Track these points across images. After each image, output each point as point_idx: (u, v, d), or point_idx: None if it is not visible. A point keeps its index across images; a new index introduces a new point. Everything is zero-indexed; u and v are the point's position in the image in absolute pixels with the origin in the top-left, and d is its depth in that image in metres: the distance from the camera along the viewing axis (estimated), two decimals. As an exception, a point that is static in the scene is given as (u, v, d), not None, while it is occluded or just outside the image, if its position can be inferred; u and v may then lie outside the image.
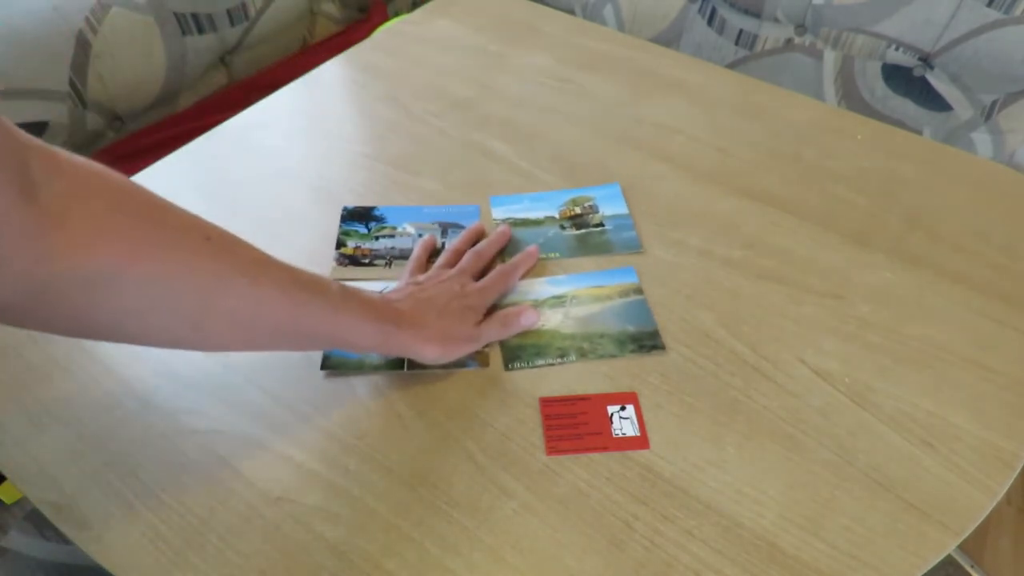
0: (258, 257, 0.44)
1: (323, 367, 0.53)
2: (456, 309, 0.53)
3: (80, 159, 0.37)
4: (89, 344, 0.55)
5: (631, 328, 0.56)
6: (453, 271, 0.58)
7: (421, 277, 0.58)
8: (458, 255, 0.60)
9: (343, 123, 0.77)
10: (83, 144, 0.91)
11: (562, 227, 0.64)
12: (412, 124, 0.76)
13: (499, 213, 0.66)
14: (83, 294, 0.36)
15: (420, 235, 0.64)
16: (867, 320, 0.57)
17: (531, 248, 0.62)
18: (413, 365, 0.54)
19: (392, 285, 0.59)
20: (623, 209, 0.66)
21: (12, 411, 0.51)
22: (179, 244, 0.40)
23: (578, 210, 0.66)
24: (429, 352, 0.50)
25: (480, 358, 0.54)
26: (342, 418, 0.51)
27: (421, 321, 0.51)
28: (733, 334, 0.56)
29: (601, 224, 0.64)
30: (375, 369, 0.54)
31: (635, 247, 0.62)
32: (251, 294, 0.42)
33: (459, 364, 0.53)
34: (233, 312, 0.42)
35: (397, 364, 0.54)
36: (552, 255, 0.62)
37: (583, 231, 0.64)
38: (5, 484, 0.68)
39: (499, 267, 0.59)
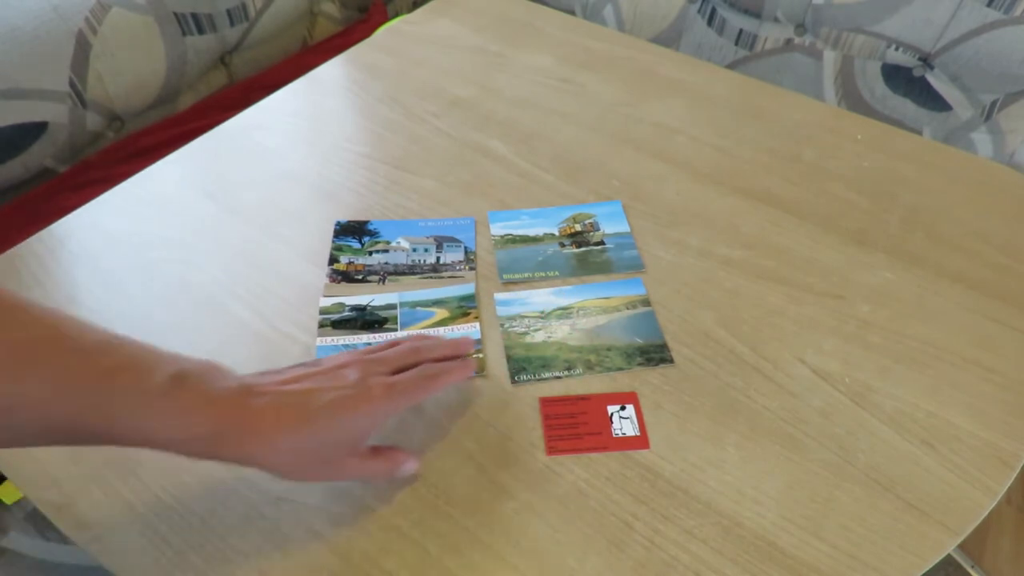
0: (34, 337, 0.33)
1: None
2: (340, 418, 0.40)
3: None
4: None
5: (639, 341, 0.56)
6: (365, 358, 0.45)
7: (325, 360, 0.44)
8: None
9: (343, 123, 0.77)
10: (83, 144, 0.91)
11: (562, 245, 0.64)
12: (412, 124, 0.76)
13: (497, 229, 0.65)
14: None
15: (414, 249, 0.63)
16: (867, 320, 0.57)
17: (469, 360, 0.50)
18: None
19: (377, 298, 0.59)
20: (624, 227, 0.65)
21: (12, 411, 0.51)
22: None
23: (578, 227, 0.65)
24: (281, 463, 0.39)
25: (476, 364, 0.53)
26: (342, 418, 0.51)
27: (276, 425, 0.38)
28: (733, 334, 0.56)
29: (602, 242, 0.63)
30: None
31: (637, 266, 0.61)
32: (6, 392, 0.32)
33: None
34: None
35: None
36: (551, 273, 0.61)
37: (583, 249, 0.63)
38: (5, 484, 0.68)
39: (424, 366, 0.46)
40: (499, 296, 0.59)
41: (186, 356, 0.38)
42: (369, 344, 0.55)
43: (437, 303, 0.58)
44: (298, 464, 0.40)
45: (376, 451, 0.45)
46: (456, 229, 0.65)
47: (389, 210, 0.67)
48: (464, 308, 0.58)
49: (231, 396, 0.38)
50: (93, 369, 0.34)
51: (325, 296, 0.59)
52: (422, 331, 0.56)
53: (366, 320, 0.57)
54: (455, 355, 0.49)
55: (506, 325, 0.57)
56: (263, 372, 0.42)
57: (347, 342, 0.55)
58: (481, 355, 0.54)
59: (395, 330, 0.56)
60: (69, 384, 0.34)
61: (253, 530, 0.45)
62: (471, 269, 0.61)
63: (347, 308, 0.58)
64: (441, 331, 0.56)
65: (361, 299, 0.59)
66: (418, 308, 0.58)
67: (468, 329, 0.56)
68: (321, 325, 0.57)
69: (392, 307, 0.58)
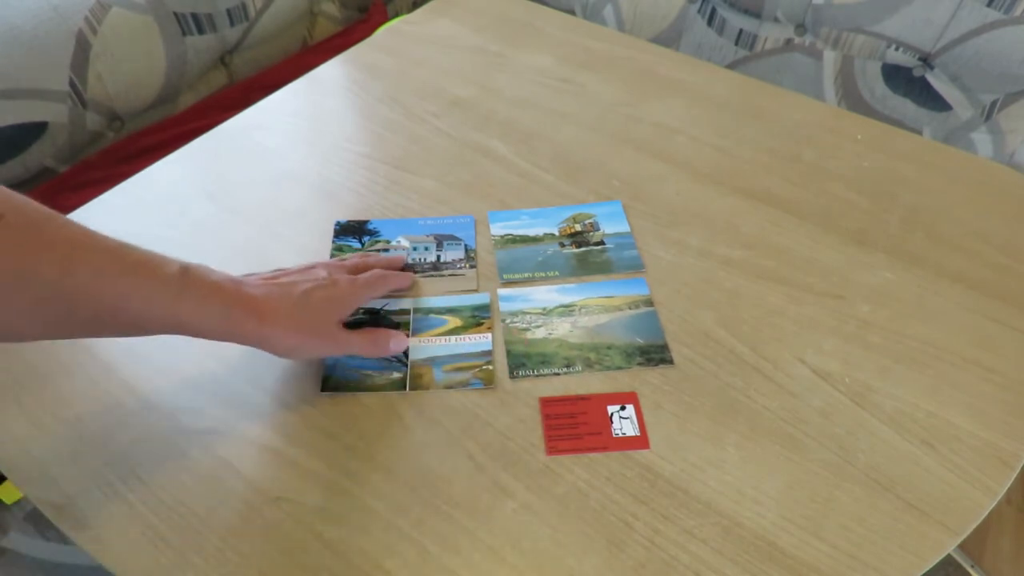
0: (72, 237, 0.38)
1: (323, 389, 0.53)
2: (319, 299, 0.49)
3: None
4: (90, 344, 0.55)
5: (640, 340, 0.55)
6: (327, 262, 0.55)
7: (292, 267, 0.53)
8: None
9: (343, 123, 0.77)
10: (83, 144, 0.91)
11: (562, 245, 0.63)
12: (412, 124, 0.76)
13: (497, 229, 0.65)
14: None
15: (415, 248, 0.63)
16: (867, 320, 0.57)
17: (409, 273, 0.60)
18: (416, 385, 0.53)
19: (390, 302, 0.59)
20: (624, 227, 0.65)
21: (12, 411, 0.51)
22: None
23: (578, 227, 0.65)
24: (282, 341, 0.46)
25: (484, 376, 0.53)
26: (342, 418, 0.51)
27: (274, 307, 0.46)
28: (733, 334, 0.56)
29: (602, 242, 0.63)
30: (377, 389, 0.53)
31: (637, 266, 0.61)
32: (59, 282, 0.37)
33: (462, 384, 0.53)
34: (37, 304, 0.37)
35: (399, 385, 0.53)
36: (551, 273, 0.61)
37: (583, 249, 0.63)
38: (5, 484, 0.69)
39: (376, 271, 0.56)
40: (502, 292, 0.59)
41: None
42: None
43: (451, 311, 0.58)
44: (297, 339, 0.47)
45: (364, 331, 0.53)
46: (456, 227, 0.65)
47: (389, 210, 0.67)
48: (478, 318, 0.57)
49: (231, 284, 0.45)
50: (122, 262, 0.40)
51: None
52: (434, 337, 0.56)
53: (378, 324, 0.57)
54: (394, 267, 0.60)
55: (507, 320, 0.57)
56: (252, 274, 0.50)
57: None
58: (491, 366, 0.54)
59: (407, 335, 0.56)
60: (108, 276, 0.39)
61: (253, 530, 0.45)
62: (472, 267, 0.61)
63: (361, 311, 0.58)
64: (454, 340, 0.56)
65: (375, 303, 0.58)
66: (431, 315, 0.58)
67: (480, 339, 0.56)
68: None
69: (406, 312, 0.58)
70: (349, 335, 0.51)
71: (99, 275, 0.39)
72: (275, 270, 0.52)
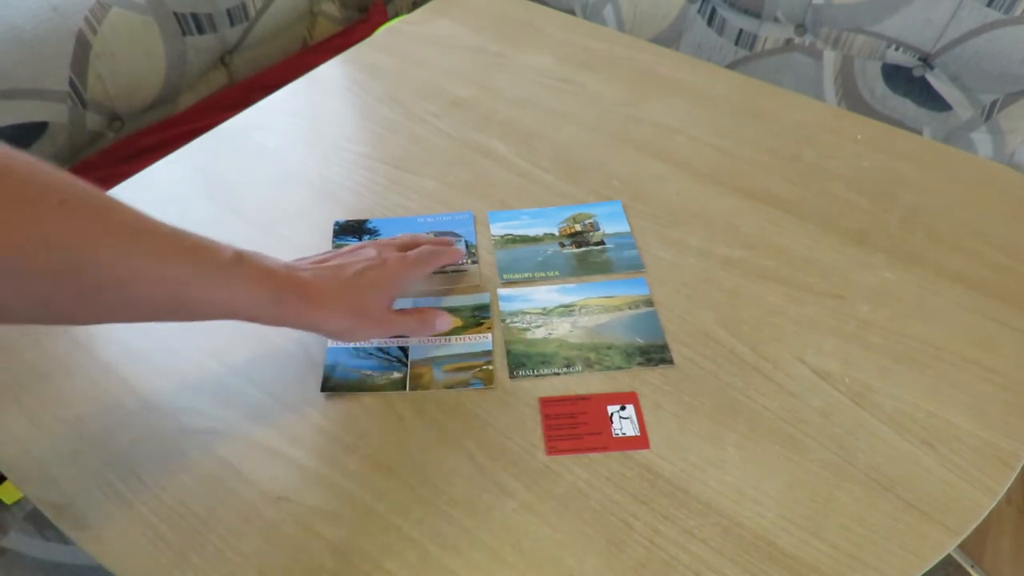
0: (131, 222, 0.38)
1: (323, 389, 0.53)
2: (369, 280, 0.49)
3: None
4: (89, 344, 0.55)
5: (640, 340, 0.55)
6: (376, 241, 0.55)
7: (343, 248, 0.54)
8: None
9: (343, 123, 0.77)
10: (83, 144, 0.91)
11: (562, 245, 0.63)
12: (412, 124, 0.76)
13: (497, 229, 0.65)
14: None
15: None
16: (867, 320, 0.57)
17: (459, 248, 0.60)
18: (415, 385, 0.53)
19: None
20: (624, 227, 0.64)
21: (12, 411, 0.51)
22: (17, 210, 0.33)
23: (578, 227, 0.65)
24: (335, 324, 0.47)
25: (484, 376, 0.53)
26: (342, 418, 0.51)
27: (324, 290, 0.47)
28: (733, 334, 0.56)
29: (602, 242, 0.63)
30: (376, 389, 0.53)
31: (637, 266, 0.61)
32: (117, 267, 0.37)
33: (462, 384, 0.53)
34: (95, 289, 0.37)
35: (399, 385, 0.53)
36: (551, 273, 0.61)
37: (583, 249, 0.63)
38: (5, 484, 0.69)
39: (425, 246, 0.56)
40: (502, 292, 0.59)
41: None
42: (381, 348, 0.55)
43: (451, 311, 0.58)
44: (348, 321, 0.48)
45: (412, 311, 0.54)
46: (455, 224, 0.65)
47: (389, 210, 0.67)
48: (478, 318, 0.57)
49: (282, 269, 0.46)
50: (179, 247, 0.40)
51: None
52: (434, 337, 0.56)
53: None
54: (444, 243, 0.59)
55: (507, 320, 0.57)
56: (302, 258, 0.51)
57: (358, 345, 0.55)
58: (491, 366, 0.54)
59: (406, 336, 0.56)
60: (165, 260, 0.39)
61: (253, 530, 0.45)
62: (474, 263, 0.61)
63: None
64: (454, 340, 0.56)
65: None
66: None
67: (480, 339, 0.56)
68: None
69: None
70: (398, 316, 0.52)
71: (158, 260, 0.39)
72: (324, 252, 0.53)
